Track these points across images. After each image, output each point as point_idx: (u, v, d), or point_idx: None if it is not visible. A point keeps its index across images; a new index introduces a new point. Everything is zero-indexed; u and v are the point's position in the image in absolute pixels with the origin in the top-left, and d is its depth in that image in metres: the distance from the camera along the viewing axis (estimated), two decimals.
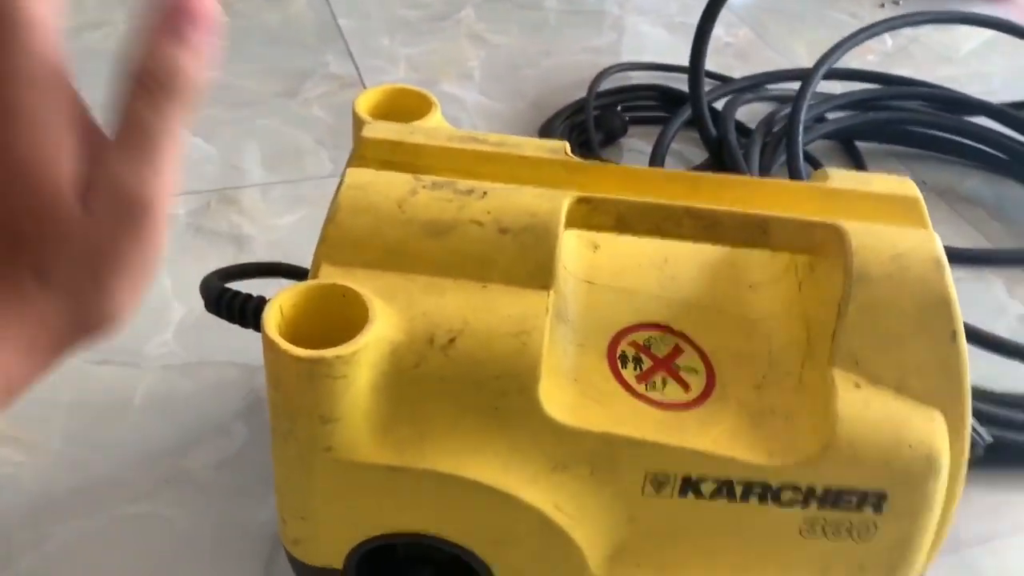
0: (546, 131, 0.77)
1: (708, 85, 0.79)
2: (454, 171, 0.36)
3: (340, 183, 0.36)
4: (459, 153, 0.37)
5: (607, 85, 0.83)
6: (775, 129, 0.73)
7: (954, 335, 0.34)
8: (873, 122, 0.77)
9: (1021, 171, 0.78)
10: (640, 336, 0.39)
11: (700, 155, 0.76)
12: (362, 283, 0.33)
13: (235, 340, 0.56)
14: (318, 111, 0.78)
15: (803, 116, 0.68)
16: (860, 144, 0.80)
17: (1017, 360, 0.58)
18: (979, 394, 0.56)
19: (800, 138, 0.67)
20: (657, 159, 0.72)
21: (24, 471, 0.48)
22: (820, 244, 0.36)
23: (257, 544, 0.47)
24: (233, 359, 0.55)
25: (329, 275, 0.33)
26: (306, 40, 0.87)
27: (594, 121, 0.77)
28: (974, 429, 0.51)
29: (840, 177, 0.38)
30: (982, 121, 0.79)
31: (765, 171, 0.69)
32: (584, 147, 0.76)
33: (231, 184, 0.69)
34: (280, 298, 0.32)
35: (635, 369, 0.37)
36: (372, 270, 0.34)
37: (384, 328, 0.32)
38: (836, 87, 0.80)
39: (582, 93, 0.81)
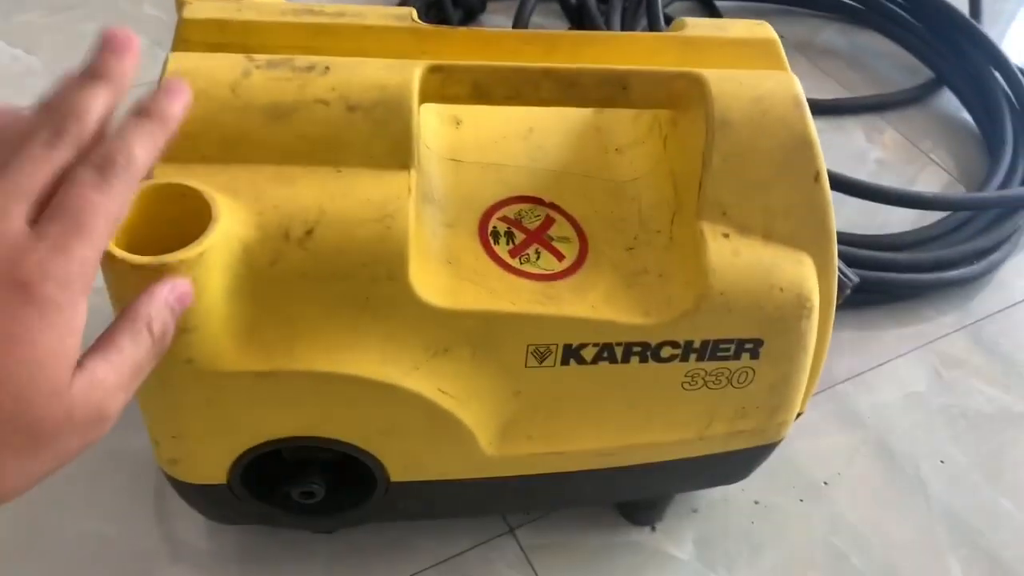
0: None
1: None
2: (291, 48, 0.33)
3: (162, 71, 0.32)
4: (294, 28, 0.34)
5: None
6: None
7: (817, 175, 0.34)
8: None
9: (876, 19, 0.79)
10: (511, 210, 0.37)
11: (563, 26, 0.74)
12: (202, 179, 0.30)
13: None
14: (149, 8, 0.71)
15: None
16: (719, 3, 0.79)
17: (877, 201, 0.60)
18: (844, 238, 0.58)
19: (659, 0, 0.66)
20: None
21: None
22: (681, 95, 0.35)
23: (143, 469, 0.45)
24: None
25: (164, 174, 0.30)
26: None
27: (451, 0, 0.73)
28: (841, 271, 0.53)
29: (697, 25, 0.37)
30: None
31: None
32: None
33: None
34: None
35: (508, 244, 0.36)
36: (211, 164, 0.31)
37: (232, 226, 0.30)
38: None
39: None
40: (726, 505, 0.47)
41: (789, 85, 0.35)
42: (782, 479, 0.48)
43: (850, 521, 0.47)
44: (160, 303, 0.26)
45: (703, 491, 0.47)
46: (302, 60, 0.32)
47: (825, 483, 0.49)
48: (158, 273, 0.28)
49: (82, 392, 0.23)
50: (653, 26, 0.65)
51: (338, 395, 0.33)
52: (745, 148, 0.34)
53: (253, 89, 0.32)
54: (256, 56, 0.32)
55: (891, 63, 0.78)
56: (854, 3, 0.79)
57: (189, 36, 0.33)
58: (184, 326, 0.30)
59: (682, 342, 0.35)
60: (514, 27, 0.70)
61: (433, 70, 0.33)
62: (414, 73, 0.33)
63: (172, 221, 0.30)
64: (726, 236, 0.34)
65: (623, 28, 0.68)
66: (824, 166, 0.35)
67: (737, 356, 0.36)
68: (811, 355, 0.37)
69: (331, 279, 0.31)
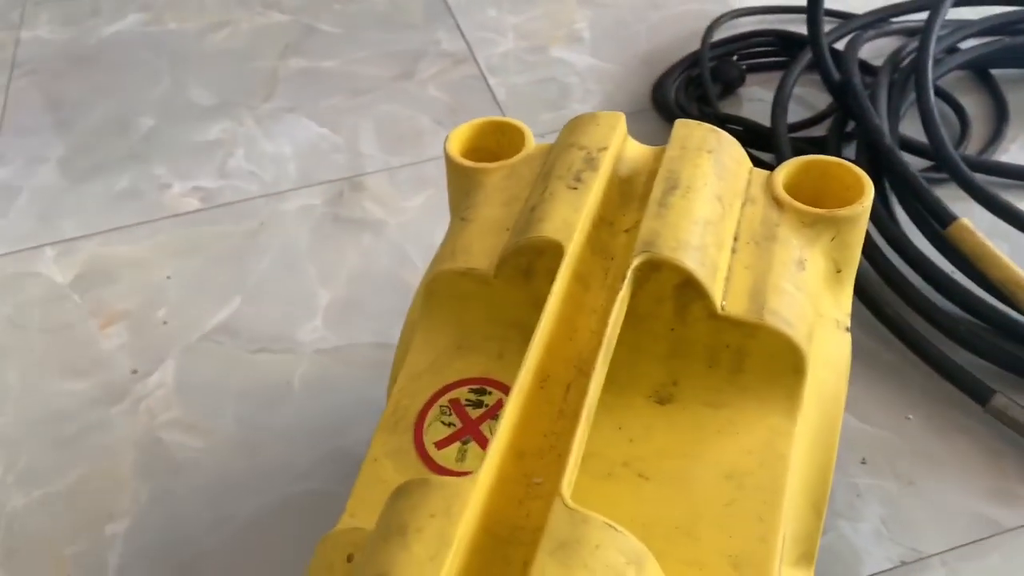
0: (659, 87, 0.76)
1: (828, 24, 0.77)
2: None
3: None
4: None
5: (721, 34, 0.81)
6: (903, 65, 0.70)
7: None
8: (1010, 47, 0.73)
9: None
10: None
11: (824, 99, 0.74)
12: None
13: (379, 322, 0.59)
14: (434, 91, 0.79)
15: (932, 48, 0.65)
16: (996, 72, 0.75)
17: None
18: None
19: (930, 73, 0.64)
20: (779, 106, 0.70)
21: (204, 456, 0.52)
22: None
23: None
24: (379, 340, 0.58)
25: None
26: (416, 20, 0.89)
27: (710, 73, 0.75)
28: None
29: None
30: None
31: (894, 111, 0.67)
32: (701, 101, 0.75)
33: (360, 171, 0.72)
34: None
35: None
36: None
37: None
38: (969, 13, 0.75)
39: (696, 45, 0.80)
40: None
41: None
42: None
43: None
44: None
45: None
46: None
47: None
48: (476, 172, 0.38)
49: None
50: (923, 101, 0.63)
51: None
52: None
53: (511, 183, 0.37)
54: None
55: None
56: None
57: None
58: None
59: None
60: (776, 99, 0.70)
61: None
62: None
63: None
64: None
65: (891, 102, 0.67)
66: None
67: None
68: None
69: None
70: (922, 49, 0.65)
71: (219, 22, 0.90)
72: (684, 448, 0.31)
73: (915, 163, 0.67)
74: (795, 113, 0.73)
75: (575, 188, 0.34)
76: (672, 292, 0.32)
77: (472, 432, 0.33)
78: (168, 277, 0.63)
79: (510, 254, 0.34)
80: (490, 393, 0.34)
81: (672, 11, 0.88)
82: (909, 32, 0.76)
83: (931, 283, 0.56)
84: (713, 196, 0.35)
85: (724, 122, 0.71)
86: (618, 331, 0.30)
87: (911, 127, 0.67)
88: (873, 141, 0.62)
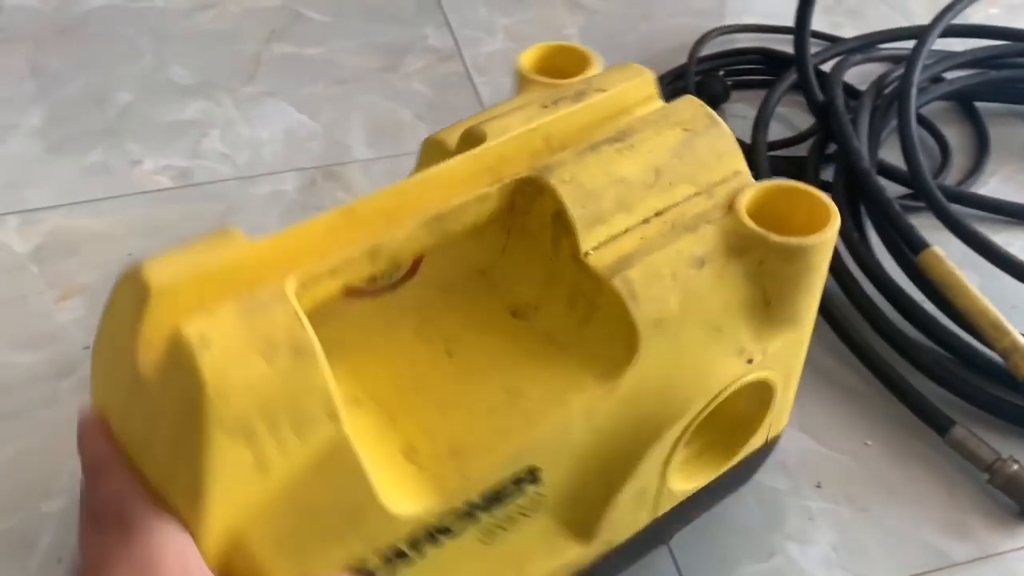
0: None
1: (816, 46, 0.77)
2: None
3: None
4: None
5: (710, 49, 0.81)
6: (887, 91, 0.70)
7: None
8: (995, 81, 0.73)
9: None
10: None
11: (807, 119, 0.74)
12: None
13: None
14: (418, 85, 0.79)
15: (917, 76, 0.65)
16: (980, 104, 0.75)
17: None
18: None
19: (913, 100, 0.64)
20: (760, 123, 0.70)
21: None
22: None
23: None
24: None
25: None
26: (405, 14, 0.88)
27: (695, 87, 0.75)
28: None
29: None
30: None
31: (875, 136, 0.67)
32: None
33: (335, 160, 0.71)
34: None
35: None
36: None
37: None
38: (956, 44, 0.75)
39: (684, 58, 0.79)
40: None
41: None
42: None
43: None
44: None
45: None
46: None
47: None
48: (525, 83, 0.41)
49: None
50: (904, 128, 0.63)
51: None
52: None
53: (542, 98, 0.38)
54: None
55: None
56: None
57: None
58: None
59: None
60: (758, 117, 0.70)
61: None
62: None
63: None
64: None
65: (872, 126, 0.67)
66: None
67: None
68: None
69: None
70: (907, 76, 0.65)
71: (207, 3, 0.88)
72: (498, 354, 0.33)
73: (893, 190, 0.66)
74: (777, 132, 0.73)
75: (545, 108, 0.35)
76: (550, 221, 0.33)
77: None
78: (130, 254, 0.62)
79: (459, 139, 0.35)
80: None
81: (663, 24, 0.87)
82: (896, 59, 0.76)
83: (899, 309, 0.56)
84: (651, 165, 0.35)
85: None
86: (461, 220, 0.32)
87: (893, 154, 0.67)
88: (851, 163, 0.61)
